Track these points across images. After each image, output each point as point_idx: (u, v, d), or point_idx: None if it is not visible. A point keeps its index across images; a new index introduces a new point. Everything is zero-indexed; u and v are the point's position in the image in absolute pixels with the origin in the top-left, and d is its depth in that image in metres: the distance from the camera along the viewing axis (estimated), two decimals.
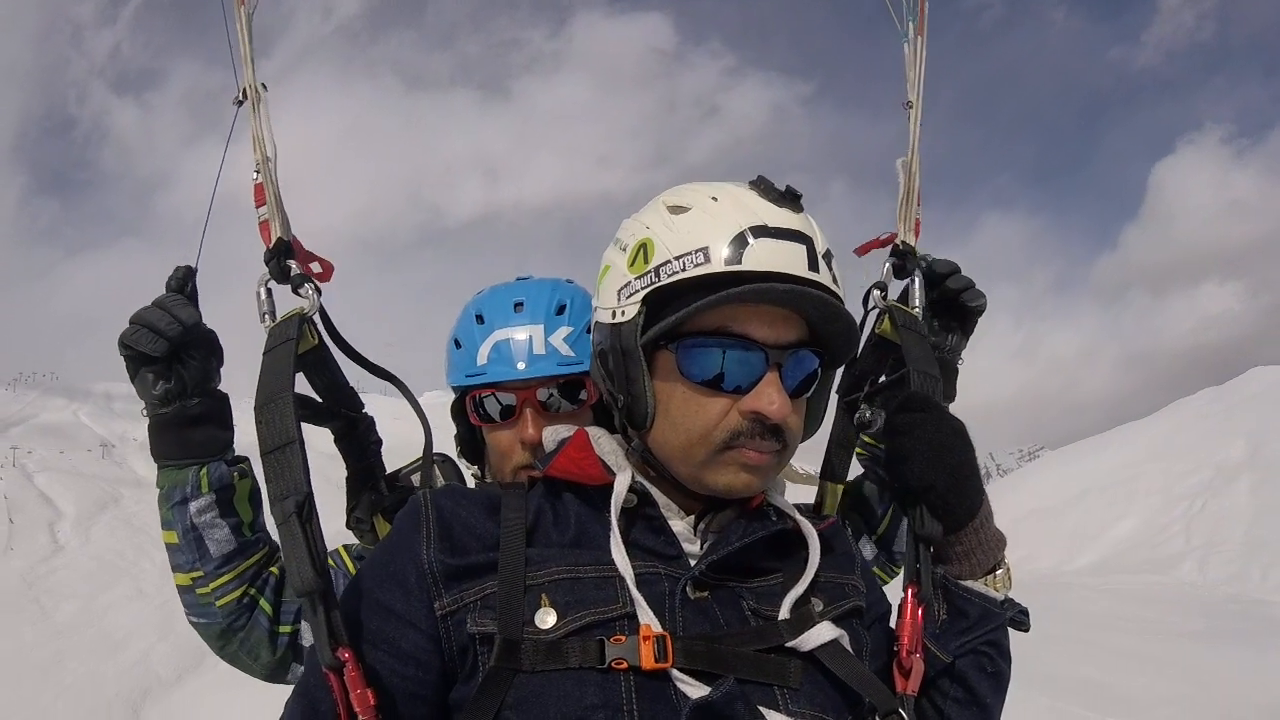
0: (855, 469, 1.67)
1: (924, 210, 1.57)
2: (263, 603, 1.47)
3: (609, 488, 1.12)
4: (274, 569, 1.51)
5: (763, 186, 1.11)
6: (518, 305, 1.61)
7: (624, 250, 1.15)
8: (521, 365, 1.56)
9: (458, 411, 1.70)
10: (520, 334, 1.58)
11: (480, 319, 1.62)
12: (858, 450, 1.65)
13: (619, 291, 1.13)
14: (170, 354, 1.39)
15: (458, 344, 1.65)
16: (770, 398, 1.05)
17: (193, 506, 1.43)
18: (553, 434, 1.28)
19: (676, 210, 1.11)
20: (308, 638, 1.44)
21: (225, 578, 1.44)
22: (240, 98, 1.49)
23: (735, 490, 1.09)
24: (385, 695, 1.01)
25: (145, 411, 1.45)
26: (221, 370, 1.50)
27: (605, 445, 1.19)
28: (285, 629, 1.48)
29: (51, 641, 8.37)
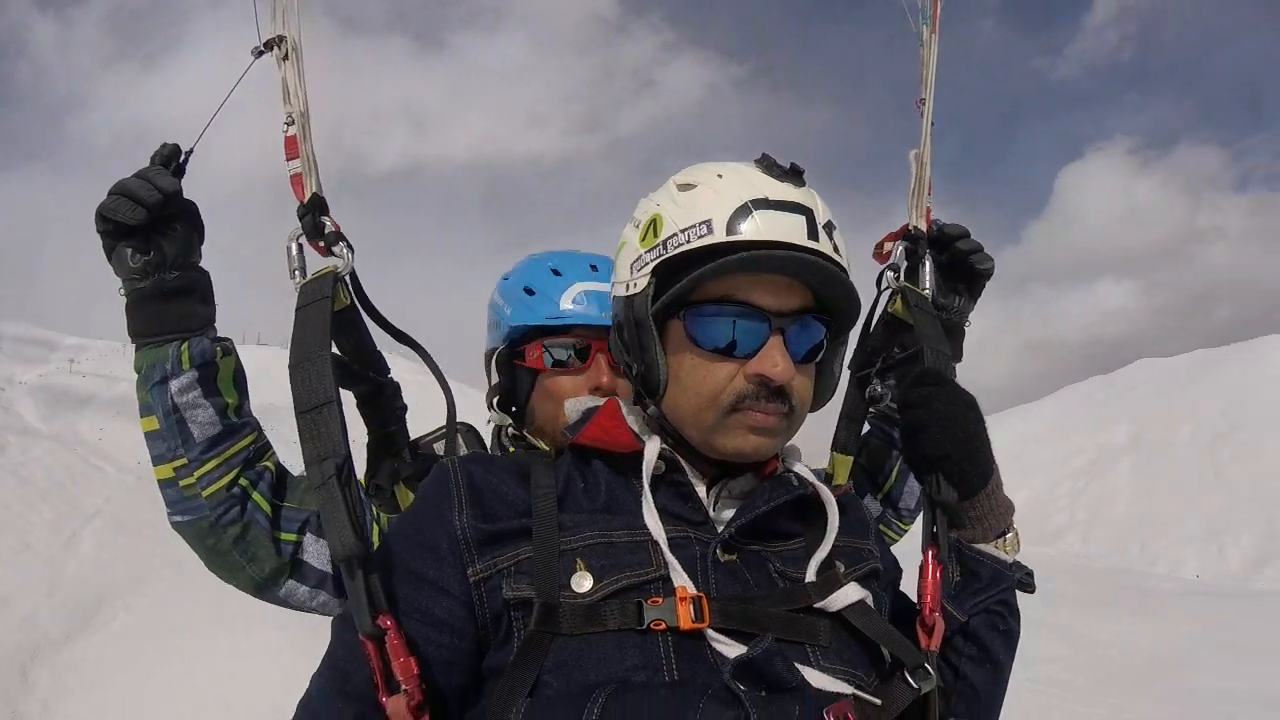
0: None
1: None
2: (256, 497, 1.37)
3: (638, 455, 1.15)
4: (268, 463, 1.41)
5: (766, 163, 1.16)
6: (593, 267, 1.71)
7: (637, 227, 1.19)
8: (607, 316, 1.61)
9: (504, 360, 1.72)
10: (604, 289, 1.66)
11: (557, 272, 1.70)
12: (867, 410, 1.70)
13: (631, 265, 1.18)
14: (149, 224, 1.32)
15: (529, 291, 1.70)
16: (774, 360, 1.09)
17: (174, 385, 1.33)
18: (574, 405, 1.31)
19: (684, 188, 1.16)
20: (311, 553, 1.38)
21: (211, 464, 1.34)
22: (261, 48, 1.43)
23: (744, 453, 1.13)
24: (422, 664, 1.01)
25: (122, 290, 1.37)
26: (202, 247, 1.43)
27: (630, 415, 1.23)
28: (288, 537, 1.38)
29: None
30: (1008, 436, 21.34)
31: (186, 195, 1.39)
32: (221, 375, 1.38)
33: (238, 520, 1.34)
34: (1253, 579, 14.98)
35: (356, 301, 1.41)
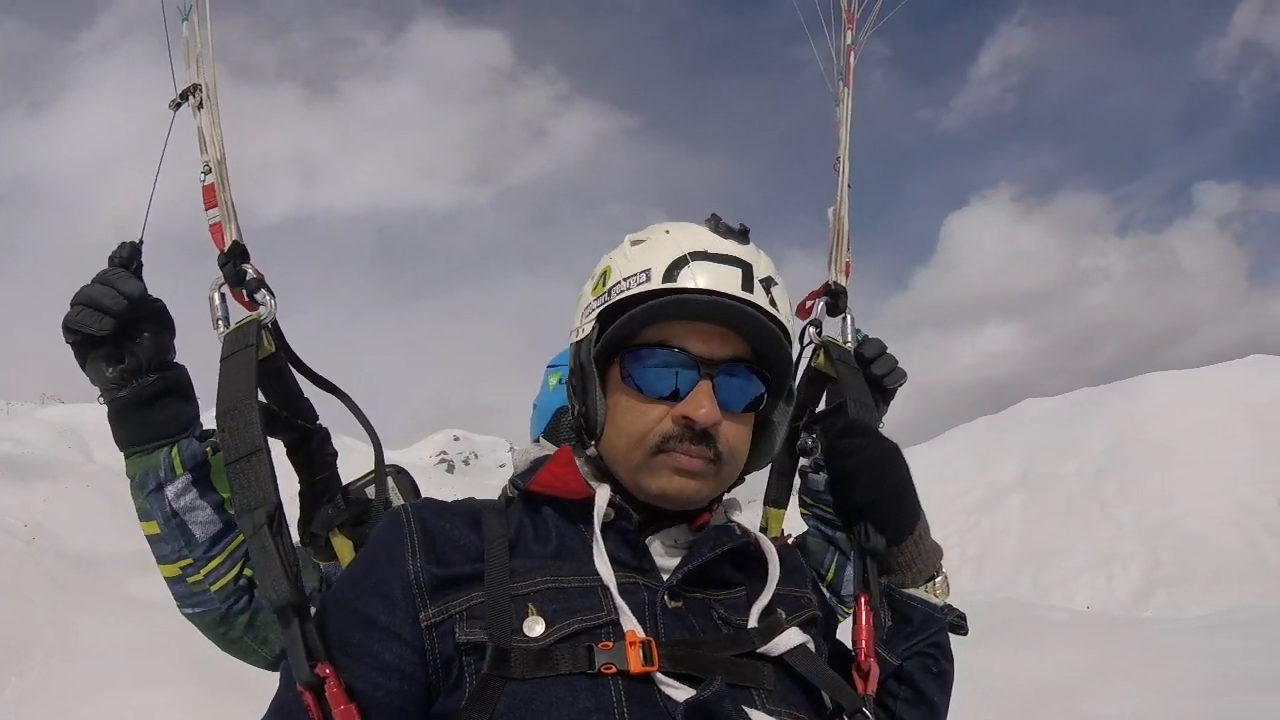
0: (800, 524, 1.79)
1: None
2: None
3: (588, 503, 1.16)
4: None
5: (714, 222, 1.21)
6: None
7: (592, 279, 1.25)
8: None
9: None
10: None
11: None
12: (801, 511, 1.77)
13: (581, 313, 1.23)
14: (118, 332, 1.30)
15: None
16: (699, 403, 1.12)
17: (169, 491, 1.34)
18: (524, 455, 1.32)
19: (635, 243, 1.22)
20: None
21: (216, 561, 1.36)
22: (178, 99, 1.41)
23: (668, 494, 1.14)
24: (371, 711, 1.01)
25: (101, 399, 1.35)
26: (174, 342, 1.41)
27: (582, 464, 1.24)
28: None
29: None
30: None
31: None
32: (214, 472, 1.38)
33: (246, 608, 1.39)
34: (1140, 607, 15.76)
35: (281, 349, 1.39)
